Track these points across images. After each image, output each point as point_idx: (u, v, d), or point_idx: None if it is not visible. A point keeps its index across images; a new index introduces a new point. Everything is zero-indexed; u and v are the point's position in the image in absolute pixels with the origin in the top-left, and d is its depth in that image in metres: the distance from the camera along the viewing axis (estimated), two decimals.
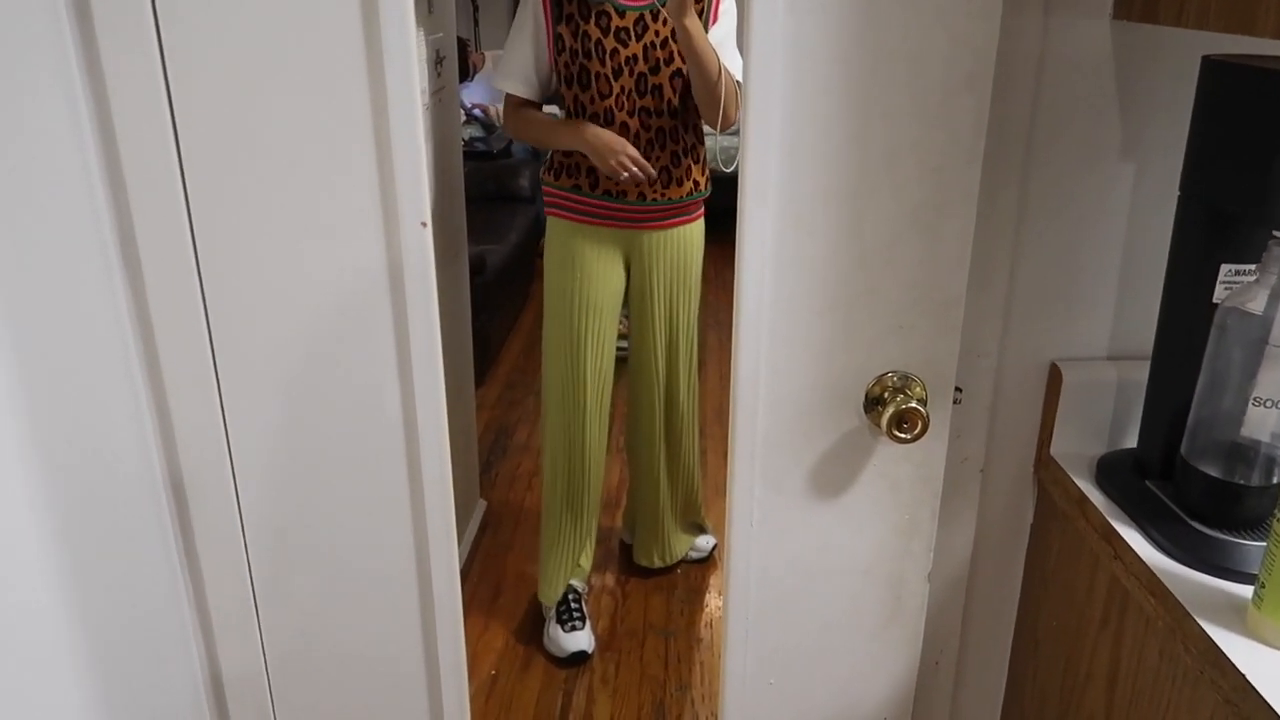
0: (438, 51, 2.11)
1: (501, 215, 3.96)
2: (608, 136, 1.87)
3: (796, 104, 0.89)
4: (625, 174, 1.87)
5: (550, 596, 2.17)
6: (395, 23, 0.88)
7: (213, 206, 0.96)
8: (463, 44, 4.64)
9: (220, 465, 1.06)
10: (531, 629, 2.23)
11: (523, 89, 1.95)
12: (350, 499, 1.09)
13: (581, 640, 2.12)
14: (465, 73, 4.69)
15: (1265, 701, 0.72)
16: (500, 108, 4.93)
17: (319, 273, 0.99)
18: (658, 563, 2.38)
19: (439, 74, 2.13)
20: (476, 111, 4.82)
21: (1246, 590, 0.82)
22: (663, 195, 1.95)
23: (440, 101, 2.14)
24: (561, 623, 2.15)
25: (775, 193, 0.93)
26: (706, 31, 1.83)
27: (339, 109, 0.92)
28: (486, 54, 5.07)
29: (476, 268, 3.24)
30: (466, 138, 4.55)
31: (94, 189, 0.93)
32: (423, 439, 1.07)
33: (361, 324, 1.01)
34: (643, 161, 1.87)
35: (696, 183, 2.00)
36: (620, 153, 1.86)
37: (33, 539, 0.85)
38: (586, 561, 2.23)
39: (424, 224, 0.95)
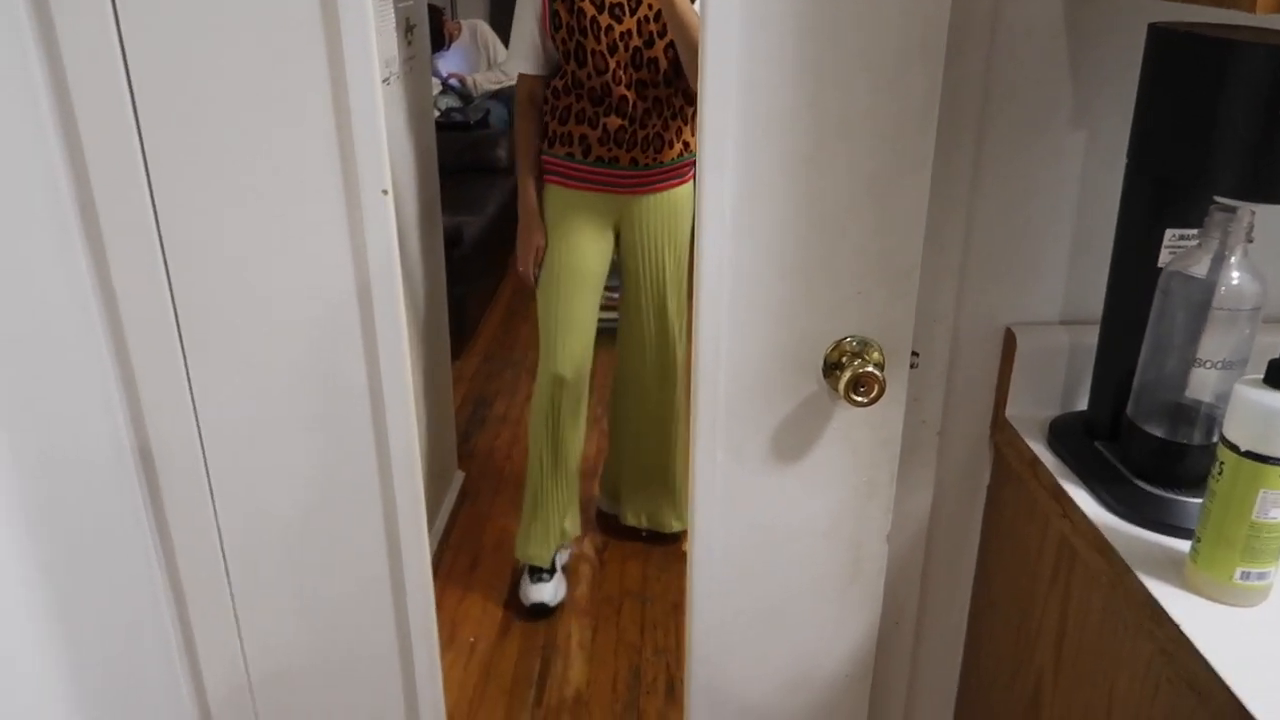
0: (408, 19, 2.10)
1: (479, 187, 3.95)
2: (527, 226, 2.06)
3: (751, 72, 0.90)
4: (520, 270, 2.09)
5: (541, 557, 2.21)
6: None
7: (173, 180, 0.96)
8: (437, 12, 4.59)
9: (189, 438, 1.07)
10: (509, 596, 2.26)
11: (526, 65, 1.99)
12: (317, 469, 1.11)
13: (545, 593, 2.18)
14: (440, 42, 4.64)
15: (1197, 651, 0.75)
16: (477, 77, 4.91)
17: (281, 245, 0.99)
18: (676, 526, 2.39)
19: (409, 42, 2.11)
20: (453, 81, 4.78)
21: (1186, 545, 0.85)
22: (654, 159, 2.00)
23: (411, 70, 2.13)
24: (531, 574, 2.21)
25: (732, 160, 0.94)
26: None
27: (296, 74, 0.92)
28: (463, 23, 5.02)
29: (453, 240, 3.24)
30: (442, 108, 4.51)
31: (51, 159, 0.93)
32: (389, 409, 1.08)
33: (323, 290, 1.01)
34: (530, 275, 2.08)
35: (686, 144, 2.04)
36: (526, 254, 2.06)
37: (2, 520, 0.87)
38: (573, 526, 2.28)
39: (385, 191, 0.95)
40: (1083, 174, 1.02)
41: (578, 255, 2.04)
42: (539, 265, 2.08)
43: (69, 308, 0.97)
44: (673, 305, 2.16)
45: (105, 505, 1.04)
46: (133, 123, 0.93)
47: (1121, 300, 0.96)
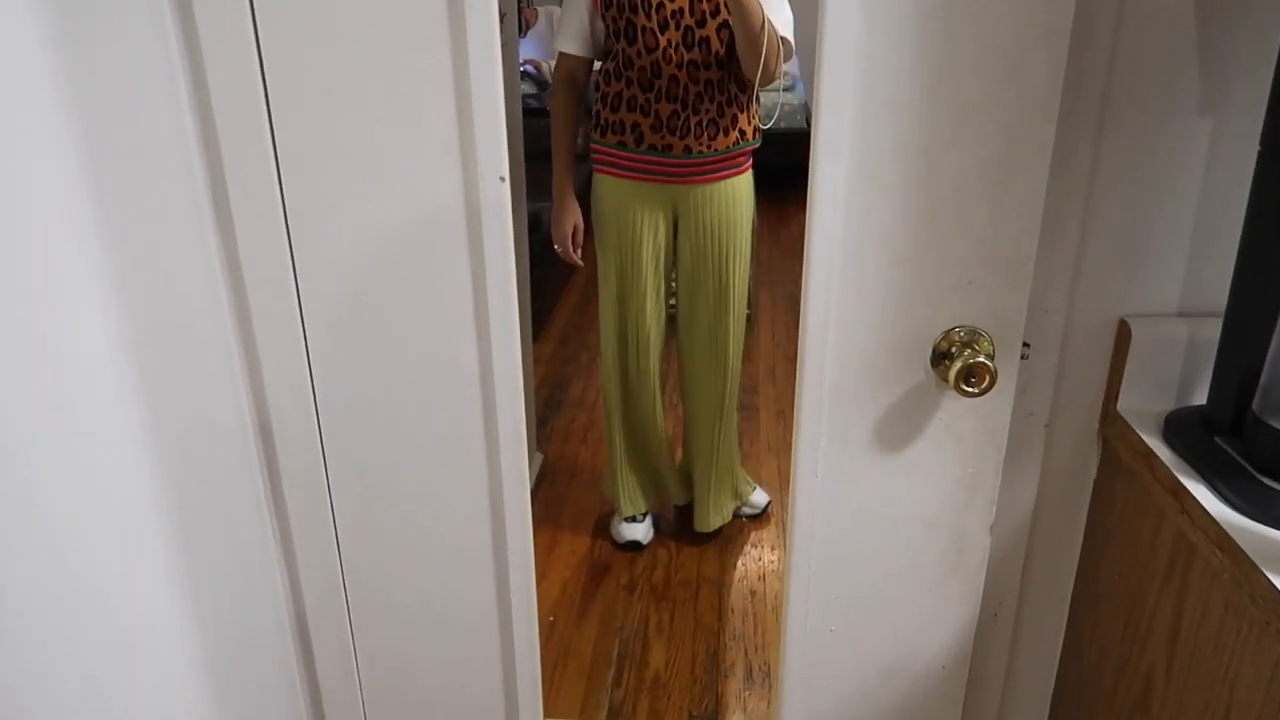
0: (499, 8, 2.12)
1: None
2: (565, 209, 2.09)
3: (870, 57, 0.90)
4: (559, 249, 2.14)
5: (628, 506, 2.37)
6: None
7: (300, 162, 0.99)
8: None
9: (305, 410, 1.11)
10: (588, 578, 2.29)
11: (570, 44, 1.99)
12: (427, 442, 1.13)
13: (639, 532, 2.34)
14: (519, 28, 4.67)
15: None
16: (553, 64, 4.94)
17: (400, 225, 1.02)
18: (697, 528, 2.39)
19: (499, 30, 2.13)
20: (529, 68, 4.81)
21: None
22: (708, 147, 1.97)
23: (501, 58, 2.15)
24: (625, 516, 2.36)
25: (848, 146, 0.94)
26: None
27: (421, 63, 0.94)
28: (540, 10, 5.05)
29: (532, 225, 3.26)
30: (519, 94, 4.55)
31: (188, 143, 0.97)
32: (498, 386, 1.10)
33: (440, 275, 1.04)
34: (570, 253, 2.13)
35: (743, 132, 2.00)
36: (560, 234, 2.11)
37: (144, 485, 0.91)
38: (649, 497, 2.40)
39: (502, 178, 0.97)
40: (1208, 163, 1.00)
41: (636, 239, 2.03)
42: (578, 246, 2.11)
43: (202, 293, 1.01)
44: (732, 303, 2.12)
45: (228, 474, 1.08)
46: (265, 114, 0.97)
47: (1249, 292, 0.93)
